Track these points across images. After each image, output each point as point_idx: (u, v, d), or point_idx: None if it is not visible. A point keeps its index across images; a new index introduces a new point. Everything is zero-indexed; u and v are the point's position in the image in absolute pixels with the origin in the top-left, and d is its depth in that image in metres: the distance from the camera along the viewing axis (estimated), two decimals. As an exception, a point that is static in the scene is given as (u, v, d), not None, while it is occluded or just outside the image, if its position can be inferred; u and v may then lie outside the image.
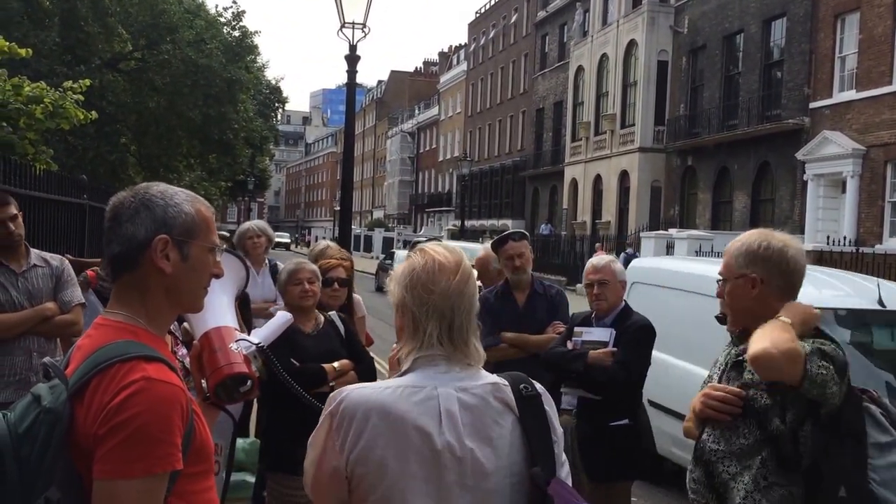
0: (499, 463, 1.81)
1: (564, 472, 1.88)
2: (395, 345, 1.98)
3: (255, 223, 6.20)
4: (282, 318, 2.49)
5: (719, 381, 2.75)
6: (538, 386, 1.92)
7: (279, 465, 4.05)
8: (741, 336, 2.72)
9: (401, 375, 1.87)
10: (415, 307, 1.86)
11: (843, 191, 22.16)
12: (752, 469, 2.53)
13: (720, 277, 2.75)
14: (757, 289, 2.63)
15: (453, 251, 1.93)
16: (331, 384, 3.95)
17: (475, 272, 1.95)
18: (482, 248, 5.49)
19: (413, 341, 1.87)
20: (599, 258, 4.65)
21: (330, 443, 1.81)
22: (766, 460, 2.52)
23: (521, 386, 1.88)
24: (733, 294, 2.69)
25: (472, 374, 1.87)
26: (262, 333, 2.34)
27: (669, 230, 25.99)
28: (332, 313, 4.38)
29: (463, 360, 1.86)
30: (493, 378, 1.89)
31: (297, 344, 3.84)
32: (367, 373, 4.21)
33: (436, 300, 1.84)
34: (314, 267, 4.37)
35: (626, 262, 32.09)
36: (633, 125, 32.45)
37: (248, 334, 2.27)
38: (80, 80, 9.26)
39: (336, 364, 4.06)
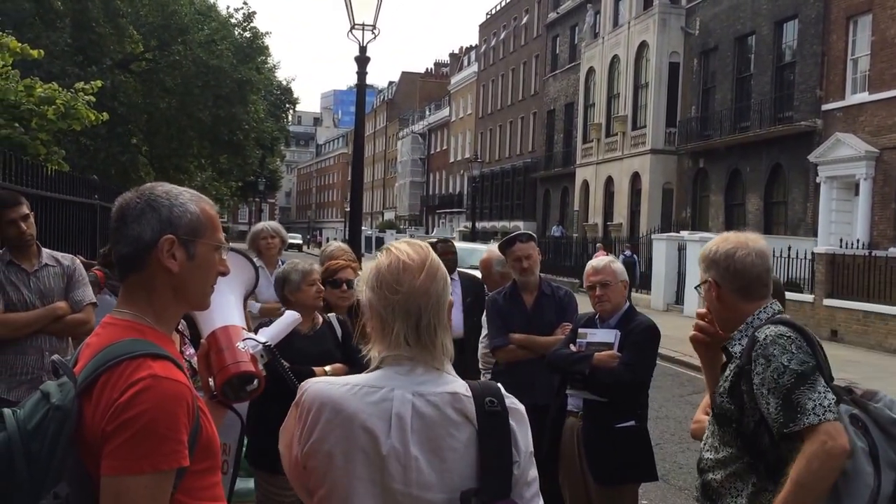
0: (444, 476, 1.76)
1: (529, 493, 1.80)
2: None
3: (270, 224, 6.21)
4: (290, 317, 2.51)
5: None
6: (510, 401, 1.84)
7: (263, 464, 4.06)
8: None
9: (368, 372, 1.86)
10: (381, 307, 1.84)
11: (857, 193, 22.04)
12: (740, 477, 2.57)
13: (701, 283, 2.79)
14: (715, 292, 2.67)
15: (419, 250, 1.89)
16: None
17: (444, 269, 1.91)
18: (486, 249, 5.49)
19: (381, 342, 1.86)
20: (599, 259, 4.62)
21: (295, 431, 1.83)
22: (754, 466, 2.55)
23: (487, 399, 1.82)
24: (707, 299, 2.73)
25: (435, 379, 1.82)
26: (270, 332, 2.36)
27: (681, 232, 25.90)
28: (332, 315, 4.39)
29: (429, 362, 1.83)
30: (457, 387, 1.83)
31: (290, 344, 3.81)
32: None
33: (401, 300, 1.82)
34: (318, 268, 4.41)
35: (625, 265, 32.58)
36: (645, 127, 32.37)
37: (256, 333, 2.28)
38: (92, 82, 9.31)
39: (328, 367, 4.06)
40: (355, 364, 4.22)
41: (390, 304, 1.83)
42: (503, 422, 1.81)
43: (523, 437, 1.83)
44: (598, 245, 30.33)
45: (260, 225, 6.22)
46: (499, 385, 1.88)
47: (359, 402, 1.78)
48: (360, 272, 4.96)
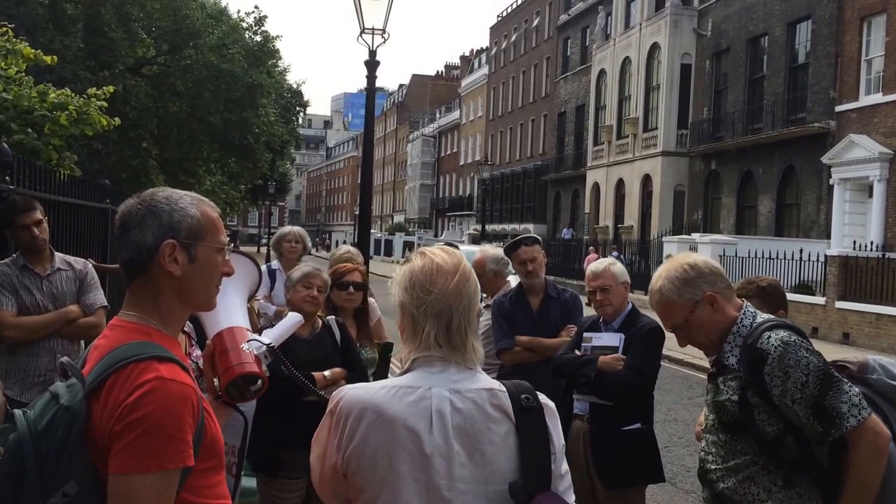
0: (484, 470, 1.82)
1: (563, 485, 1.88)
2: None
3: (297, 230, 6.35)
4: (292, 319, 2.53)
5: (706, 392, 2.84)
6: (542, 398, 1.92)
7: (263, 466, 4.10)
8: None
9: (400, 375, 1.91)
10: (413, 308, 1.90)
11: (870, 195, 21.94)
12: (753, 481, 2.59)
13: (677, 327, 2.73)
14: (715, 304, 2.68)
15: (452, 254, 1.96)
16: (320, 392, 3.98)
17: (475, 275, 1.98)
18: (478, 250, 5.53)
19: (412, 342, 1.91)
20: (597, 264, 4.56)
21: (330, 440, 1.86)
22: (767, 468, 2.57)
23: (523, 396, 1.89)
24: (699, 325, 2.69)
25: (469, 377, 1.88)
26: (273, 334, 2.38)
27: (693, 235, 25.83)
28: (331, 318, 4.42)
29: (461, 362, 1.88)
30: (492, 384, 1.90)
31: (290, 349, 3.83)
32: (358, 381, 4.22)
33: (433, 301, 1.87)
34: (327, 277, 4.43)
35: None
36: (656, 129, 32.31)
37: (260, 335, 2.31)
38: (105, 87, 9.37)
39: (327, 372, 4.09)
40: (355, 368, 4.25)
41: (422, 304, 1.88)
42: (540, 417, 1.88)
43: (556, 432, 1.91)
44: (589, 248, 30.58)
45: (286, 229, 6.36)
46: (528, 384, 1.95)
47: (398, 403, 1.82)
48: (368, 275, 5.03)
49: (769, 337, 2.53)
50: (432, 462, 1.80)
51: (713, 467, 2.68)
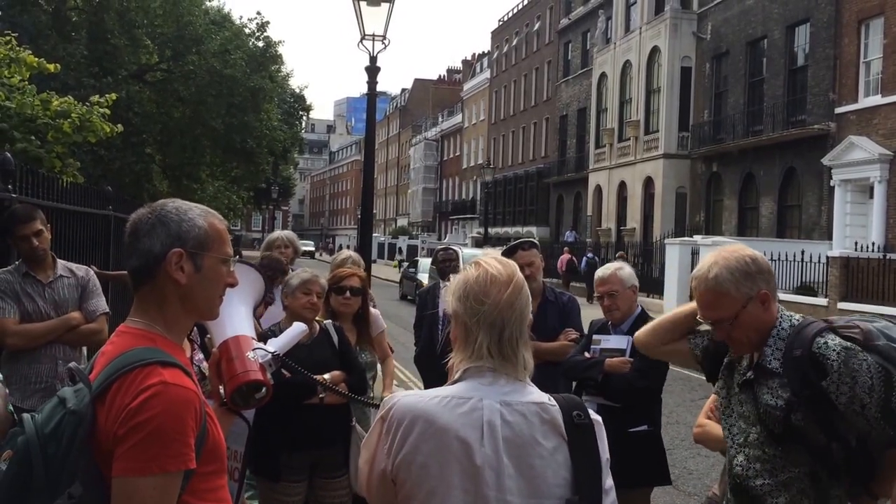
0: (533, 483, 1.83)
1: (608, 501, 1.91)
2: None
3: (285, 233, 6.33)
4: (297, 328, 2.58)
5: (730, 403, 2.71)
6: (592, 414, 1.94)
7: (264, 471, 4.12)
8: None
9: (452, 384, 1.92)
10: (466, 317, 1.91)
11: (871, 196, 21.95)
12: (805, 493, 2.51)
13: (723, 321, 2.57)
14: (766, 303, 2.56)
15: (506, 264, 1.97)
16: (321, 396, 4.01)
17: (528, 287, 1.99)
18: (480, 254, 5.56)
19: (464, 350, 1.93)
20: (604, 269, 4.56)
21: (380, 446, 1.88)
22: (815, 478, 2.50)
23: (575, 413, 1.90)
24: (748, 322, 2.55)
25: (519, 389, 1.90)
26: (278, 343, 2.43)
27: (695, 237, 25.83)
28: (328, 322, 4.45)
29: (511, 373, 1.90)
30: (542, 397, 1.92)
31: (288, 353, 3.93)
32: (358, 384, 4.25)
33: (486, 311, 1.89)
34: (325, 283, 4.46)
35: (588, 267, 32.97)
36: (657, 131, 32.33)
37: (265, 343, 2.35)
38: (107, 95, 9.43)
39: (327, 375, 4.10)
40: (353, 371, 4.28)
41: (476, 314, 1.90)
42: (591, 433, 1.91)
43: (604, 447, 1.94)
44: (564, 249, 30.90)
45: (275, 234, 6.36)
46: (577, 398, 1.97)
47: (450, 413, 1.84)
48: (369, 280, 5.06)
49: (825, 343, 2.43)
50: (482, 473, 1.81)
51: (759, 482, 2.54)
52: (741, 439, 2.62)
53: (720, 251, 2.64)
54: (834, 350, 2.39)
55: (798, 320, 2.60)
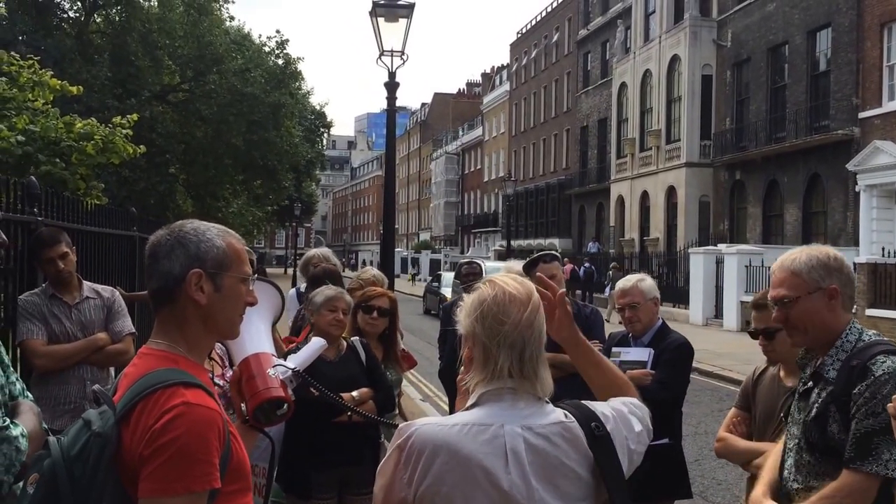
0: (563, 502, 1.83)
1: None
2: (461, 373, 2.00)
3: (321, 251, 6.49)
4: (316, 343, 2.58)
5: (790, 410, 2.71)
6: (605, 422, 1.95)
7: (294, 489, 4.14)
8: (806, 356, 2.68)
9: (468, 408, 1.89)
10: (486, 338, 1.88)
11: (897, 201, 21.72)
12: None
13: (785, 298, 2.58)
14: (835, 300, 2.54)
15: (523, 283, 1.95)
16: (349, 414, 4.01)
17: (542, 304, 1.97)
18: (503, 267, 5.55)
19: (483, 372, 1.89)
20: (626, 280, 4.52)
21: (398, 475, 1.84)
22: None
23: (593, 424, 1.89)
24: (809, 311, 2.54)
25: (538, 410, 1.88)
26: (298, 359, 2.43)
27: (719, 245, 25.66)
28: (356, 339, 4.45)
29: (531, 393, 1.88)
30: (561, 416, 1.90)
31: (317, 370, 3.85)
32: (384, 400, 4.26)
33: (507, 331, 1.86)
34: (350, 299, 4.46)
35: (586, 276, 33.12)
36: (679, 140, 32.18)
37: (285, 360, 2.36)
38: (129, 116, 9.54)
39: (355, 393, 4.12)
40: (381, 388, 4.28)
41: (496, 335, 1.86)
42: (610, 443, 1.90)
43: (622, 454, 1.95)
44: (564, 259, 30.82)
45: (312, 251, 6.52)
46: (588, 407, 1.95)
47: (471, 441, 1.81)
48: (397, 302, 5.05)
49: (884, 361, 2.39)
50: (511, 498, 1.79)
51: (795, 486, 2.56)
52: (791, 444, 2.64)
53: (812, 245, 2.66)
54: (884, 370, 2.36)
55: (871, 336, 2.55)
